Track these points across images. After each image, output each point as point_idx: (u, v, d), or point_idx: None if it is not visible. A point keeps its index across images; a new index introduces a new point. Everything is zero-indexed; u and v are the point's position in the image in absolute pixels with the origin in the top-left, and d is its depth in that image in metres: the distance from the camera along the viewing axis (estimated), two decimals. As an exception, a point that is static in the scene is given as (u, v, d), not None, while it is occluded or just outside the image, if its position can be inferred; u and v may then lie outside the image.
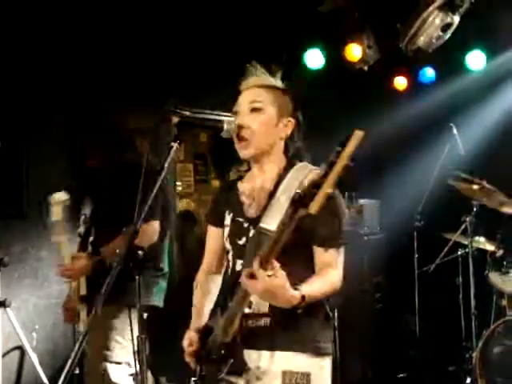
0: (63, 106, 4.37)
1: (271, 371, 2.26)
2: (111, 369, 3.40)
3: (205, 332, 2.38)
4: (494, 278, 4.67)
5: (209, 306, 2.51)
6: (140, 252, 1.99)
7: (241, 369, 2.26)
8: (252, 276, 2.02)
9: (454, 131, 5.34)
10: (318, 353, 2.30)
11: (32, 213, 4.55)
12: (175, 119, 2.21)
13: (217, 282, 2.55)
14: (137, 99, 4.91)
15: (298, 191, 1.89)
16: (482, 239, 5.05)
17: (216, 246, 2.58)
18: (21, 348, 4.35)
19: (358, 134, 1.85)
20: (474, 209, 4.93)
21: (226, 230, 2.47)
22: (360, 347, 5.28)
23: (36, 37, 4.51)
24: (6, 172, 4.46)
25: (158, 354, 3.36)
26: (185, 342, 2.42)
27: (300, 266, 2.29)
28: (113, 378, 3.38)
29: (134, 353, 2.25)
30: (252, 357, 2.29)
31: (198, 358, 2.37)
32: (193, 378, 2.38)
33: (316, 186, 1.85)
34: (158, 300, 3.63)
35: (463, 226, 5.01)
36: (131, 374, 3.44)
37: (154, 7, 4.87)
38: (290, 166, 2.39)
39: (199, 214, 7.44)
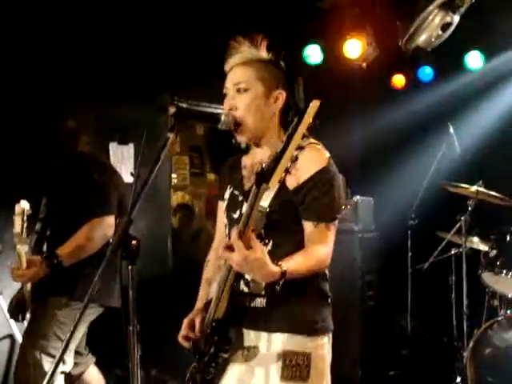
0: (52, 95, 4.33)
1: (270, 352, 2.26)
2: (45, 360, 3.34)
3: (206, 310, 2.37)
4: (487, 278, 4.66)
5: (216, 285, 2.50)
6: (134, 242, 1.97)
7: (229, 347, 2.24)
8: (231, 248, 2.01)
9: (451, 130, 5.34)
10: (316, 332, 2.30)
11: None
12: (172, 110, 2.20)
13: None
14: (134, 91, 4.89)
15: (262, 166, 1.88)
16: (475, 239, 5.06)
17: (222, 222, 2.56)
18: (12, 336, 4.33)
19: (314, 104, 1.85)
20: (469, 208, 4.93)
21: (225, 203, 2.48)
22: (351, 345, 5.27)
23: (31, 32, 4.46)
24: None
25: (148, 345, 3.35)
26: (184, 324, 2.42)
27: (294, 241, 2.27)
28: (45, 368, 3.32)
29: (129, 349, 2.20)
30: (251, 337, 2.30)
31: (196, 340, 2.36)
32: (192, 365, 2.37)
33: (276, 159, 1.85)
34: (116, 301, 3.54)
35: (457, 225, 5.01)
36: (62, 372, 3.41)
37: (153, 2, 4.86)
38: None
39: (194, 206, 7.44)
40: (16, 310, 3.59)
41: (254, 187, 1.91)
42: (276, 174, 1.85)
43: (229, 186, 2.49)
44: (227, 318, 2.21)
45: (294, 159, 1.86)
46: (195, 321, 2.39)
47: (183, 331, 2.42)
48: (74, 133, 3.66)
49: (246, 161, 2.50)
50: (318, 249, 2.23)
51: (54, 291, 3.40)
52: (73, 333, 2.25)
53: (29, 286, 3.50)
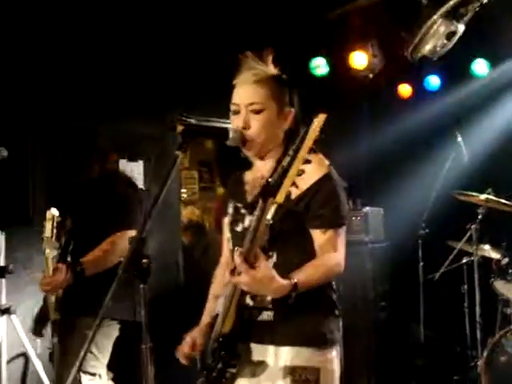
0: (67, 113, 4.39)
1: (278, 367, 2.24)
2: (84, 379, 3.38)
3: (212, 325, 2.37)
4: (500, 286, 4.65)
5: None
6: (145, 260, 1.98)
7: (237, 362, 2.24)
8: (237, 271, 2.01)
9: (459, 139, 5.34)
10: (325, 345, 2.28)
11: (37, 219, 4.54)
12: (180, 127, 2.22)
13: None
14: (143, 107, 4.92)
15: (269, 180, 1.88)
16: (487, 247, 5.04)
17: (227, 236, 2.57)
18: (25, 355, 4.34)
19: (320, 118, 1.84)
20: (479, 216, 4.92)
21: (228, 218, 2.48)
22: (364, 356, 5.26)
23: (38, 45, 4.52)
24: (12, 179, 4.47)
25: (161, 362, 3.36)
26: (185, 341, 2.42)
27: (300, 251, 2.26)
28: None
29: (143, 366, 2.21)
30: (259, 351, 2.28)
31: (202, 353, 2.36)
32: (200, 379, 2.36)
33: (283, 173, 1.85)
34: (128, 315, 3.52)
35: (468, 234, 5.00)
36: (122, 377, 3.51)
37: (162, 14, 4.89)
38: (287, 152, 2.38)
39: (204, 221, 7.45)
40: (39, 326, 3.68)
41: (260, 202, 1.91)
42: (283, 189, 1.85)
43: (231, 201, 2.50)
44: (234, 332, 2.21)
45: (301, 173, 1.86)
46: (196, 339, 2.40)
47: (183, 348, 2.42)
48: (103, 151, 3.74)
49: (249, 175, 2.51)
50: (330, 256, 2.23)
51: (81, 312, 3.41)
52: (89, 346, 2.24)
53: (52, 299, 3.51)
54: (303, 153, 1.83)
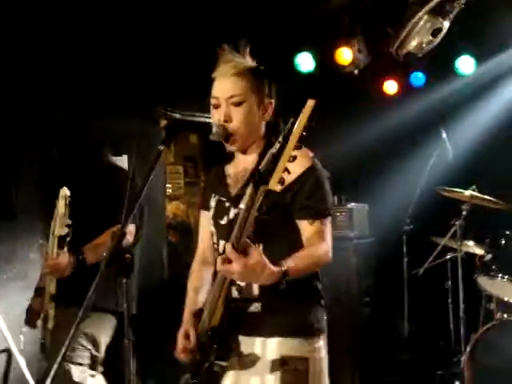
0: (52, 110, 4.36)
1: (267, 358, 2.26)
2: (73, 369, 3.39)
3: (198, 319, 2.37)
4: (483, 281, 4.67)
5: (203, 294, 2.49)
6: (128, 255, 1.97)
7: (228, 354, 2.25)
8: (228, 260, 2.00)
9: (444, 135, 5.36)
10: (312, 334, 2.30)
11: (21, 214, 4.53)
12: (163, 122, 2.20)
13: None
14: (126, 102, 4.90)
15: (259, 168, 1.88)
16: (470, 243, 5.07)
17: (207, 231, 2.56)
18: (8, 351, 4.32)
19: (309, 104, 1.84)
20: (464, 212, 4.95)
21: (211, 211, 2.47)
22: (349, 351, 5.27)
23: (27, 44, 4.49)
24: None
25: (145, 356, 3.35)
26: (180, 337, 2.40)
27: (286, 243, 2.27)
28: (75, 377, 3.38)
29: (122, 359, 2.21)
30: (248, 343, 2.29)
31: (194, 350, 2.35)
32: (186, 374, 2.36)
33: (274, 160, 1.84)
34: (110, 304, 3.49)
35: (452, 230, 5.02)
36: (92, 375, 3.47)
37: (143, 11, 4.86)
38: (270, 144, 2.37)
39: (189, 216, 7.43)
40: (33, 317, 3.66)
41: (249, 190, 1.90)
42: (275, 175, 1.83)
43: (213, 195, 2.49)
44: (223, 325, 2.21)
45: (292, 159, 1.85)
46: (189, 332, 2.38)
47: (180, 344, 2.40)
48: (97, 145, 3.75)
49: (230, 169, 2.51)
50: (318, 246, 2.25)
51: (75, 303, 3.40)
52: (72, 338, 2.23)
53: (51, 288, 3.49)
54: (294, 139, 1.83)
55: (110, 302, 3.31)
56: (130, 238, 3.48)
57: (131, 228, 3.47)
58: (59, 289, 3.48)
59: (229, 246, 1.99)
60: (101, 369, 3.79)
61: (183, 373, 2.39)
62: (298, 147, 1.85)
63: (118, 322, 3.50)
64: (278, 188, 1.85)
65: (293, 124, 1.83)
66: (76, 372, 3.39)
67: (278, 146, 1.85)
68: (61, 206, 3.41)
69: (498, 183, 5.06)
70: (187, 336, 2.39)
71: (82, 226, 3.50)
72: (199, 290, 2.52)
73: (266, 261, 2.03)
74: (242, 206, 2.22)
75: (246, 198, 1.94)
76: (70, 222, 3.41)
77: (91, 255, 3.39)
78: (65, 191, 3.43)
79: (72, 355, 3.40)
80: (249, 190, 1.91)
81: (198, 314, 2.38)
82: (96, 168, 3.69)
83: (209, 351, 2.25)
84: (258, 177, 1.86)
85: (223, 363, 2.26)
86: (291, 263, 2.11)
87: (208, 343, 2.24)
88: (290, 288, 2.13)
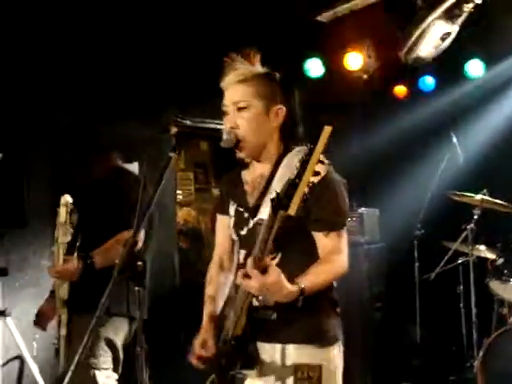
0: (62, 116, 4.39)
1: (284, 365, 2.27)
2: (100, 376, 3.39)
3: (218, 326, 2.39)
4: (495, 286, 4.65)
5: (221, 299, 2.51)
6: (140, 263, 1.98)
7: (252, 362, 2.27)
8: (248, 276, 2.03)
9: (454, 140, 5.35)
10: (327, 342, 2.31)
11: (33, 221, 4.55)
12: (174, 129, 2.21)
13: (229, 278, 2.54)
14: (138, 109, 4.92)
15: (278, 192, 1.90)
16: (482, 247, 5.05)
17: (224, 236, 2.58)
18: (21, 357, 4.33)
19: (327, 130, 1.86)
20: (475, 217, 4.94)
21: (232, 220, 2.49)
22: (360, 357, 5.26)
23: (34, 46, 4.52)
24: (7, 180, 4.46)
25: (157, 362, 3.36)
26: (197, 345, 2.41)
27: (301, 255, 2.29)
28: (100, 383, 3.38)
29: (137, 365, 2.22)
30: (265, 349, 2.31)
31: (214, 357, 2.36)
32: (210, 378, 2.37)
33: (293, 186, 1.86)
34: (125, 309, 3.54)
35: (464, 234, 5.01)
36: (117, 380, 3.48)
37: (154, 16, 4.89)
38: (286, 151, 2.38)
39: (200, 223, 7.44)
40: (43, 319, 3.67)
41: (269, 213, 1.93)
42: (295, 201, 1.86)
43: (232, 202, 2.50)
44: (246, 334, 2.24)
45: (311, 185, 1.88)
46: (207, 341, 2.40)
47: (197, 351, 2.41)
48: (105, 148, 3.75)
49: (247, 175, 2.51)
50: (335, 259, 2.26)
51: (85, 309, 3.40)
52: (87, 342, 2.24)
53: (62, 293, 3.50)
54: (312, 165, 1.85)
55: (122, 306, 3.37)
56: (139, 244, 3.49)
57: (141, 234, 3.48)
58: (72, 296, 3.48)
59: (250, 263, 2.02)
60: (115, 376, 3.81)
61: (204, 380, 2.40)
62: (316, 173, 1.89)
63: (130, 326, 3.51)
64: (294, 212, 1.89)
65: (311, 150, 1.85)
66: (101, 378, 3.40)
67: (295, 171, 1.87)
68: (62, 214, 3.42)
69: (509, 187, 5.04)
70: (204, 344, 2.40)
71: (92, 230, 3.52)
72: (217, 298, 2.53)
73: (284, 281, 2.06)
74: (260, 216, 2.26)
75: (266, 220, 1.96)
76: (71, 230, 3.43)
77: (100, 259, 3.39)
78: (66, 198, 3.43)
79: (96, 362, 3.40)
80: (268, 211, 1.94)
81: (216, 322, 2.41)
82: (104, 172, 3.69)
83: (235, 360, 2.27)
84: (277, 201, 1.89)
85: (247, 371, 2.28)
86: (308, 283, 2.13)
87: (233, 352, 2.27)
88: (305, 297, 2.15)
